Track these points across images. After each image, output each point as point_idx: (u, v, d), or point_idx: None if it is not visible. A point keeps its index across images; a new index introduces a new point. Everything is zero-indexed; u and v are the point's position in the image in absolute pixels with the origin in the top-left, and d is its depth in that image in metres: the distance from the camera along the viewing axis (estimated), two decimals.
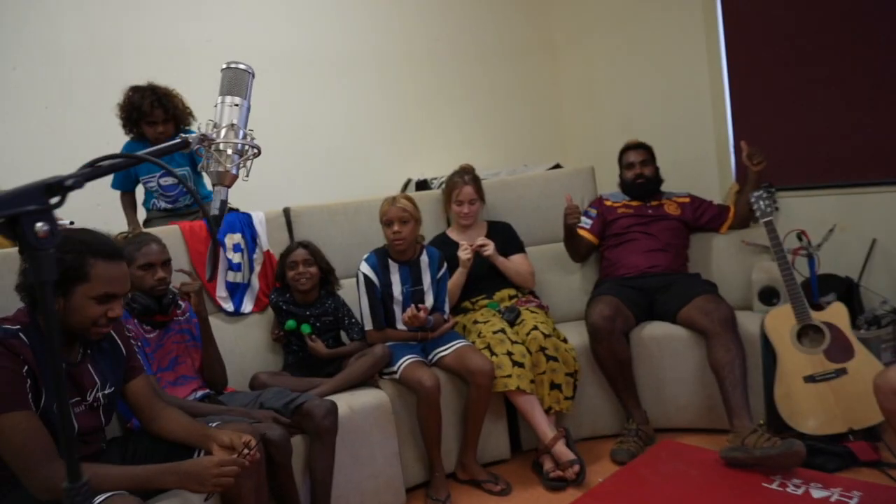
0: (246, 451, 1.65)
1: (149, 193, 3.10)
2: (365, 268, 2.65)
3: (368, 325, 2.64)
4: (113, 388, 1.72)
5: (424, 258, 2.72)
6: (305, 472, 2.12)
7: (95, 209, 2.88)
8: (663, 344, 2.77)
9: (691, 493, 2.26)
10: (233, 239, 2.70)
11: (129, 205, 3.14)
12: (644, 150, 3.23)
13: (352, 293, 2.73)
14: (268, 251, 2.80)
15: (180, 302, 2.30)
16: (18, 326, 1.54)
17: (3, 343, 1.47)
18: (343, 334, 2.71)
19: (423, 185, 4.01)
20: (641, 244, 3.07)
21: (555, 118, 4.90)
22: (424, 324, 2.57)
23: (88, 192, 2.86)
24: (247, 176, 1.21)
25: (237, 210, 3.02)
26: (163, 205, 3.06)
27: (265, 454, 1.85)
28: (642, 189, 3.18)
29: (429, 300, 2.70)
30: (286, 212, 2.97)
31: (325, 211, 3.04)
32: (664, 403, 2.80)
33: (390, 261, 2.67)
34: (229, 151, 1.19)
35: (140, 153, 0.95)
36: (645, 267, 3.00)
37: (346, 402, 2.31)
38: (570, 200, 2.96)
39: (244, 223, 2.77)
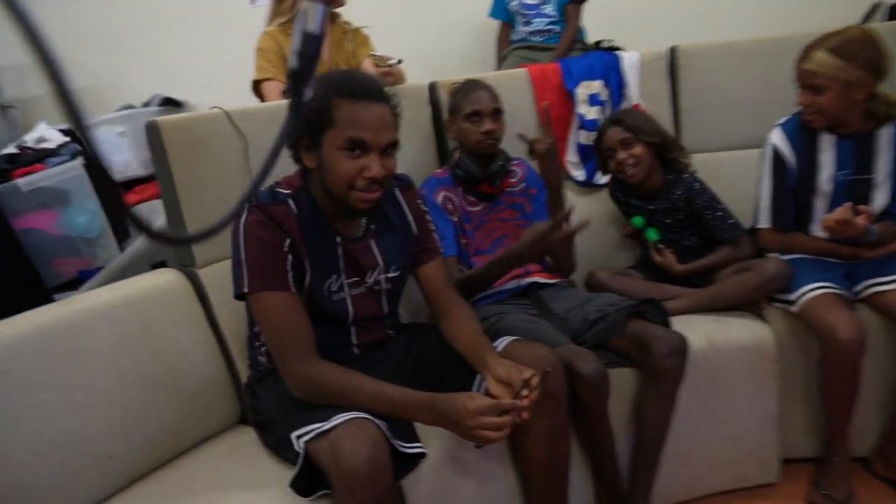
0: (525, 391, 1.18)
1: (514, 20, 2.67)
2: (777, 137, 1.77)
3: (765, 223, 1.81)
4: (399, 272, 1.41)
5: (888, 131, 1.68)
6: (631, 419, 1.59)
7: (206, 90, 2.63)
8: None
9: None
10: (590, 88, 2.08)
11: (502, 41, 2.78)
12: None
13: (731, 177, 1.91)
14: (638, 105, 2.11)
15: (514, 168, 1.86)
16: (289, 192, 1.30)
17: (266, 211, 1.24)
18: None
19: None
20: None
21: None
22: (861, 235, 1.63)
23: (198, 72, 2.49)
24: None
25: (607, 47, 2.39)
26: (521, 30, 2.62)
27: (570, 391, 1.37)
28: None
29: (879, 198, 1.70)
30: (672, 52, 2.19)
31: (728, 51, 2.15)
32: None
33: (822, 132, 1.73)
34: None
35: None
36: None
37: (707, 333, 1.64)
38: None
39: (609, 66, 2.11)
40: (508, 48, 2.67)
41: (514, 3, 2.63)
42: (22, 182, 1.66)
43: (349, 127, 1.19)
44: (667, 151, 1.86)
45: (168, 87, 3.33)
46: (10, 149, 2.02)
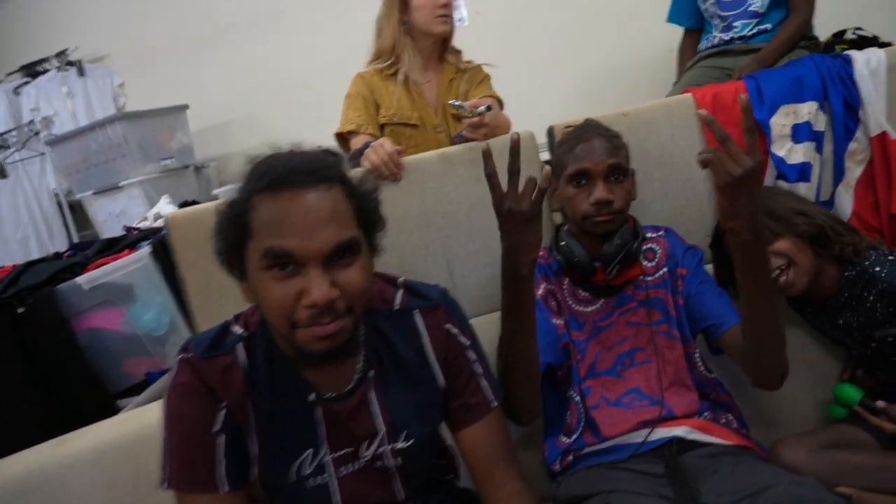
0: None
1: (707, 24, 1.97)
2: None
3: None
4: (414, 441, 0.92)
5: None
6: None
7: None
8: None
9: None
10: (795, 114, 1.34)
11: (686, 52, 2.09)
12: None
13: None
14: (884, 135, 1.32)
15: (650, 245, 1.25)
16: (243, 332, 0.90)
17: (197, 369, 0.86)
18: None
19: None
20: None
21: None
22: None
23: None
24: None
25: (850, 41, 1.63)
26: (716, 36, 1.90)
27: None
28: None
29: None
30: None
31: None
32: None
33: None
34: None
35: None
36: None
37: None
38: None
39: (831, 76, 1.35)
40: (698, 63, 1.96)
41: (709, 1, 1.91)
42: (83, 279, 1.54)
43: (267, 234, 0.77)
44: (828, 242, 1.17)
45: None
46: (122, 230, 1.97)
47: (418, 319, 0.94)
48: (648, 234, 1.27)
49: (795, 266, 1.18)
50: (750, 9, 1.83)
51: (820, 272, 1.20)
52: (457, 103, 1.36)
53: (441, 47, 1.77)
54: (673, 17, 2.05)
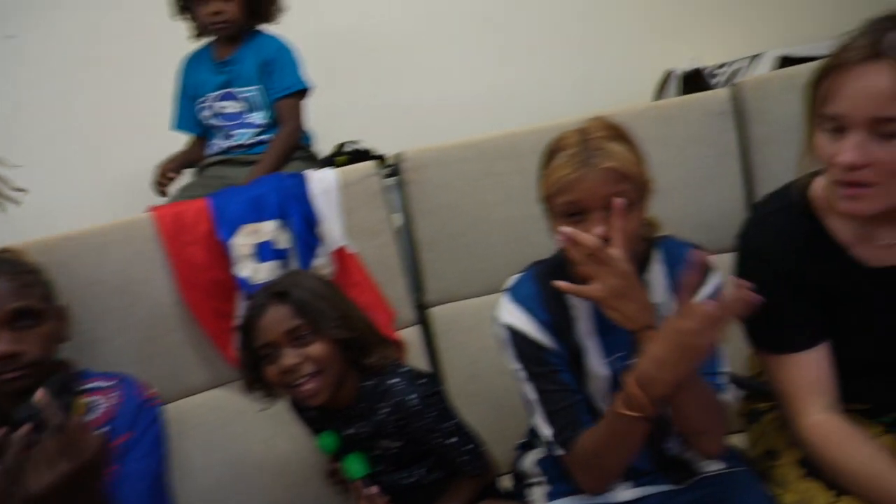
0: None
1: (209, 131, 1.92)
2: (510, 314, 1.05)
3: (553, 443, 1.03)
4: None
5: (658, 269, 1.04)
6: None
7: None
8: None
9: None
10: (257, 234, 1.33)
11: (194, 157, 1.98)
12: None
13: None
14: (342, 250, 1.39)
15: (95, 396, 1.06)
16: None
17: None
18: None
19: (695, 80, 2.18)
20: None
21: None
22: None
23: None
24: None
25: (349, 153, 1.75)
26: (216, 144, 1.87)
27: None
28: None
29: None
30: (395, 162, 1.51)
31: (477, 153, 1.51)
32: None
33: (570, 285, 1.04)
34: None
35: None
36: None
37: None
38: None
39: (289, 195, 1.38)
40: (205, 170, 1.89)
41: (206, 112, 1.87)
42: None
43: None
44: (363, 352, 1.12)
45: None
46: None
47: None
48: (95, 384, 1.07)
49: (325, 374, 1.05)
50: (247, 121, 1.84)
51: (344, 380, 1.11)
52: None
53: None
54: (178, 125, 1.96)
